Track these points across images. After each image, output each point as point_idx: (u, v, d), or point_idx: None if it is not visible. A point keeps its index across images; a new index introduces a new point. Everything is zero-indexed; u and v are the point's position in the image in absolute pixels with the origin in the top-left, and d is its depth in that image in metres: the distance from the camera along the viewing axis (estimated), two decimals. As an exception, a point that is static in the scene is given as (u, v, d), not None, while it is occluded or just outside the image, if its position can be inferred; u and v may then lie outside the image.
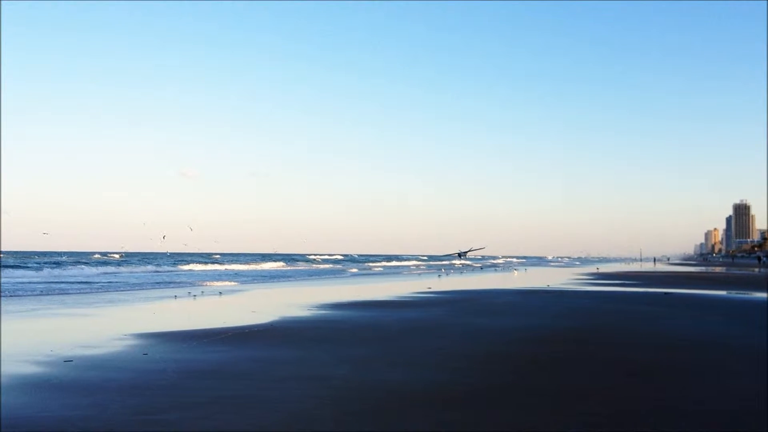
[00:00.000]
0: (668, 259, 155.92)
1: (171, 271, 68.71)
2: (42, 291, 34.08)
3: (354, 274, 68.83)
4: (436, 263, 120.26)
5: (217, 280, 49.02)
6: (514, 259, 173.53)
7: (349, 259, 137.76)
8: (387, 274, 70.49)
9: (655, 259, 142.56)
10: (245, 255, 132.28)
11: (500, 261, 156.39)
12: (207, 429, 7.45)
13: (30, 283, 42.24)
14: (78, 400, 8.83)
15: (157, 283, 45.43)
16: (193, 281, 46.69)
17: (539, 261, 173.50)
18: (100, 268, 68.68)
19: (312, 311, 22.31)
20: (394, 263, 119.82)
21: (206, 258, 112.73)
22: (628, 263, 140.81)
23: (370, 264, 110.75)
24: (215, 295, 32.09)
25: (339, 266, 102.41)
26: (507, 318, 20.01)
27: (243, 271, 72.84)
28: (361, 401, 8.79)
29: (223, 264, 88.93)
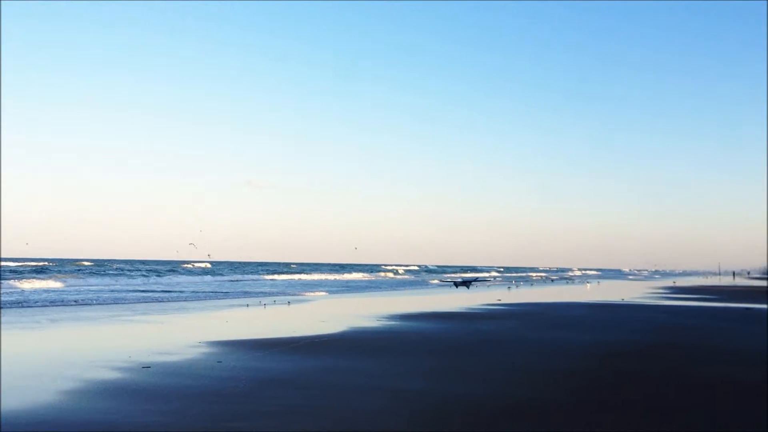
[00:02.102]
0: (748, 273, 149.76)
1: (255, 280, 69.91)
2: (140, 299, 35.19)
3: (434, 285, 68.46)
4: (513, 275, 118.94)
5: (309, 290, 49.35)
6: (589, 272, 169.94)
7: (425, 270, 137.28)
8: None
9: (734, 273, 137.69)
10: (322, 265, 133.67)
11: (574, 273, 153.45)
12: (283, 438, 7.52)
13: (134, 291, 43.68)
14: (158, 407, 9.05)
15: (245, 292, 46.28)
16: (284, 290, 47.34)
17: (615, 274, 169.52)
18: (196, 277, 70.60)
19: (381, 322, 22.34)
20: (470, 274, 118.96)
21: (285, 267, 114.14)
22: (707, 277, 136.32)
23: (447, 275, 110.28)
24: (284, 304, 32.47)
25: (417, 277, 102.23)
26: (581, 332, 19.60)
27: (328, 281, 73.64)
28: (435, 415, 8.72)
29: (309, 274, 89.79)
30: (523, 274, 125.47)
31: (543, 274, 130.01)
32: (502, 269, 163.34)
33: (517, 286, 63.84)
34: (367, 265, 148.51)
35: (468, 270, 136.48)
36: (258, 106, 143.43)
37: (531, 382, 11.20)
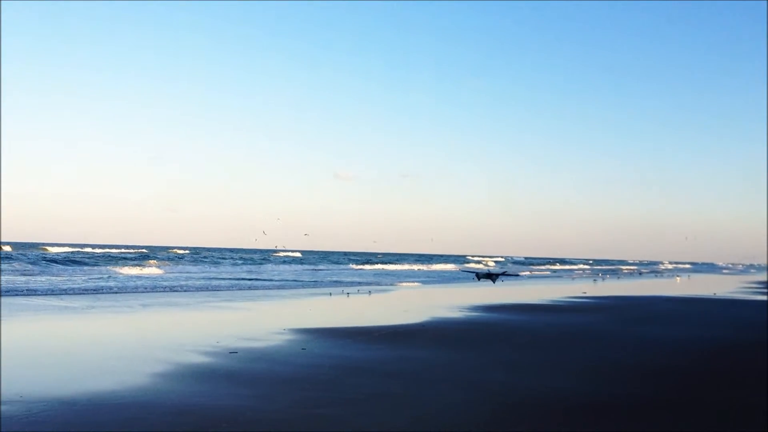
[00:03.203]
0: None
1: (343, 270, 70.67)
2: (229, 286, 36.24)
3: (525, 277, 67.55)
4: (602, 267, 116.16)
5: (394, 280, 49.45)
6: (681, 265, 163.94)
7: (511, 262, 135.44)
8: (547, 277, 69.13)
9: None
10: (408, 255, 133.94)
11: (665, 267, 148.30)
12: (365, 425, 7.56)
13: (225, 279, 45.08)
14: (245, 391, 9.26)
15: (332, 281, 46.98)
16: (370, 280, 47.69)
17: (708, 268, 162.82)
18: (286, 266, 72.15)
19: (464, 313, 22.21)
20: (557, 266, 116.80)
21: (372, 258, 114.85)
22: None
23: (535, 267, 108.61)
24: (367, 294, 32.70)
25: (504, 269, 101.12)
26: (669, 328, 18.96)
27: (414, 271, 73.83)
28: (517, 408, 8.61)
29: (395, 264, 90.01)
30: (612, 267, 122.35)
31: (633, 267, 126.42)
32: (591, 261, 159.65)
33: (603, 279, 62.35)
34: (452, 256, 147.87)
35: (556, 262, 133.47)
36: (347, 98, 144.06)
37: (617, 378, 10.90)
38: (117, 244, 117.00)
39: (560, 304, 27.92)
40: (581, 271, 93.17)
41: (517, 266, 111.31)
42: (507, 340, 15.66)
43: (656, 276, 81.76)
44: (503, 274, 46.21)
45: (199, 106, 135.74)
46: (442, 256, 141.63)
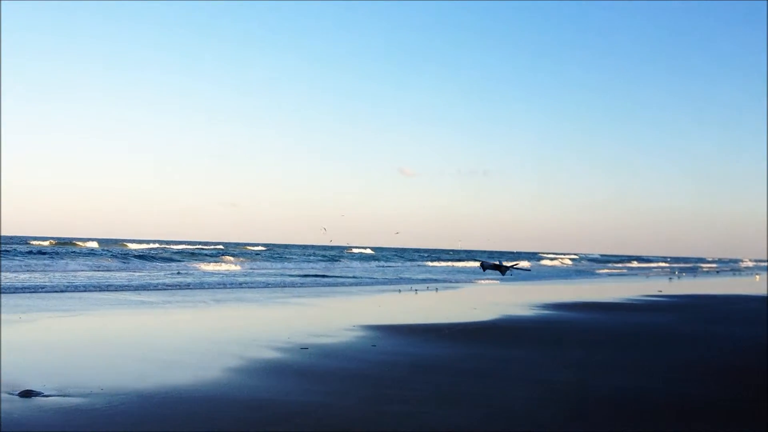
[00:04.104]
0: None
1: (416, 266, 70.79)
2: (300, 283, 36.79)
3: (599, 275, 66.34)
4: (680, 265, 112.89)
5: (466, 277, 48.93)
6: (761, 263, 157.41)
7: (586, 259, 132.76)
8: (622, 275, 67.70)
9: None
10: (479, 252, 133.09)
11: (745, 264, 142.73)
12: (437, 423, 7.53)
13: (296, 275, 45.84)
14: (317, 387, 9.35)
15: (403, 278, 47.18)
16: (442, 276, 47.65)
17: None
18: (358, 262, 72.98)
19: (534, 311, 21.92)
20: (634, 264, 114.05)
21: (445, 254, 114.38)
22: None
23: (613, 264, 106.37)
24: (437, 291, 32.62)
25: (579, 266, 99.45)
26: (750, 327, 18.26)
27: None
28: (590, 408, 8.42)
29: (467, 261, 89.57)
30: (690, 265, 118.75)
31: (712, 266, 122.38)
32: (669, 259, 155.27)
33: (679, 277, 60.57)
34: (525, 253, 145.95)
35: (633, 260, 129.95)
36: (410, 91, 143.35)
37: (696, 379, 10.55)
38: (193, 240, 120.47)
39: (635, 302, 27.25)
40: (659, 269, 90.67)
41: (592, 263, 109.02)
42: (580, 339, 15.37)
43: (735, 274, 78.86)
44: (514, 266, 40.10)
45: (263, 101, 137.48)
46: (513, 253, 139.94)
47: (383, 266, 68.52)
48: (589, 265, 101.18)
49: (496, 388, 9.46)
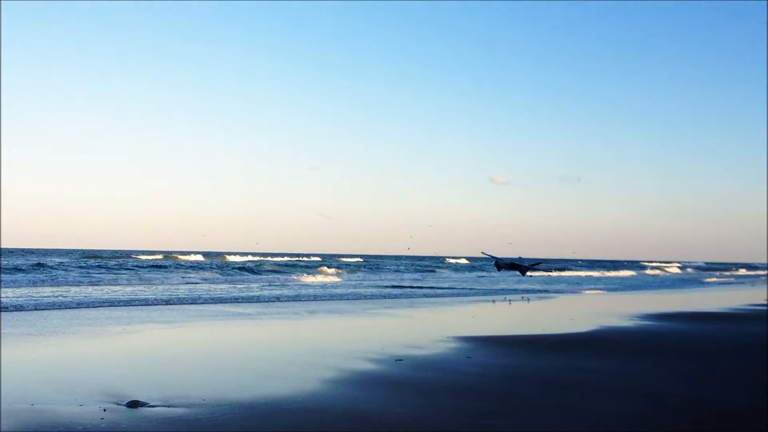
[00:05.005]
0: None
1: (512, 276, 69.53)
2: (393, 294, 37.00)
3: (708, 284, 63.61)
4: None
5: (581, 286, 48.07)
6: None
7: (691, 267, 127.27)
8: (726, 284, 64.78)
9: None
10: (570, 261, 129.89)
11: None
12: (538, 439, 7.35)
13: (391, 287, 46.22)
14: (413, 399, 9.29)
15: (499, 290, 46.77)
16: (537, 286, 46.77)
17: None
18: (460, 274, 72.96)
19: (634, 321, 21.20)
20: (743, 272, 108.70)
21: (538, 264, 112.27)
22: None
23: (720, 273, 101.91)
24: (531, 301, 32.07)
25: (685, 274, 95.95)
26: None
27: (603, 278, 71.91)
28: (700, 423, 8.03)
29: (564, 271, 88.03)
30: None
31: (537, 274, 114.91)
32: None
33: (788, 285, 57.37)
34: (627, 262, 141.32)
35: (740, 267, 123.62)
36: (502, 96, 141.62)
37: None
38: (291, 252, 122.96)
39: (740, 311, 25.97)
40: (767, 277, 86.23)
41: (698, 272, 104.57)
42: (683, 351, 14.74)
43: None
44: (536, 265, 33.02)
45: (354, 112, 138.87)
46: (613, 262, 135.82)
47: (479, 276, 67.90)
48: (695, 274, 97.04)
49: (601, 401, 9.16)
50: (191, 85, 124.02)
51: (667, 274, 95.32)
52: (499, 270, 31.81)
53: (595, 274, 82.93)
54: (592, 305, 30.81)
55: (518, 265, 30.67)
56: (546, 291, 41.80)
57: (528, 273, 31.79)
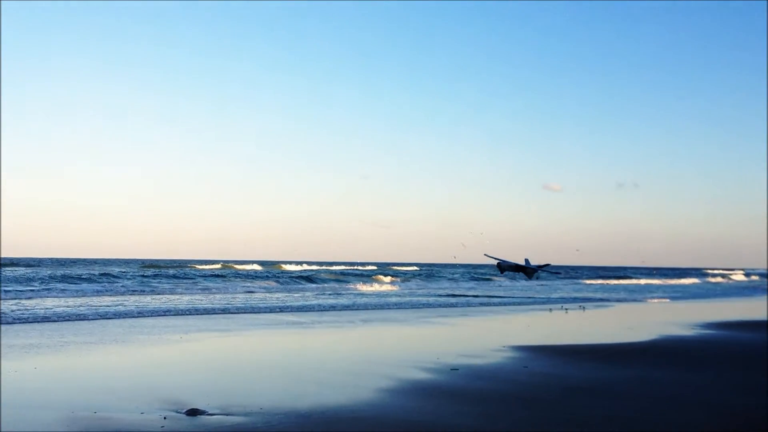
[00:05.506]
0: None
1: (570, 284, 69.00)
2: (450, 303, 36.88)
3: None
4: None
5: (648, 296, 47.25)
6: None
7: (756, 274, 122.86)
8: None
9: None
10: (629, 269, 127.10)
11: None
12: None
13: (448, 295, 46.14)
14: (469, 409, 9.21)
15: (561, 297, 46.18)
16: (606, 296, 46.05)
17: None
18: (522, 281, 72.26)
19: (696, 330, 20.67)
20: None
21: (594, 272, 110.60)
22: None
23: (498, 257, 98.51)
24: (589, 309, 31.53)
25: (751, 282, 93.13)
26: None
27: (664, 285, 70.52)
28: (772, 437, 7.75)
29: (627, 279, 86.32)
30: None
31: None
32: None
33: None
34: (691, 269, 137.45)
35: None
36: (562, 107, 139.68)
37: None
38: (345, 261, 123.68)
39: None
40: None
41: (763, 279, 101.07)
42: (745, 361, 14.30)
43: None
44: (542, 268, 31.17)
45: (404, 119, 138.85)
46: (674, 269, 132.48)
47: (535, 284, 67.02)
48: (760, 282, 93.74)
49: (664, 413, 8.94)
50: (247, 99, 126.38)
51: (731, 281, 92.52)
52: (502, 272, 31.87)
53: (656, 282, 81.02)
54: (652, 314, 30.13)
55: (524, 268, 30.14)
56: (606, 300, 41.01)
57: (535, 275, 30.79)
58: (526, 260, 30.29)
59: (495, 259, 29.31)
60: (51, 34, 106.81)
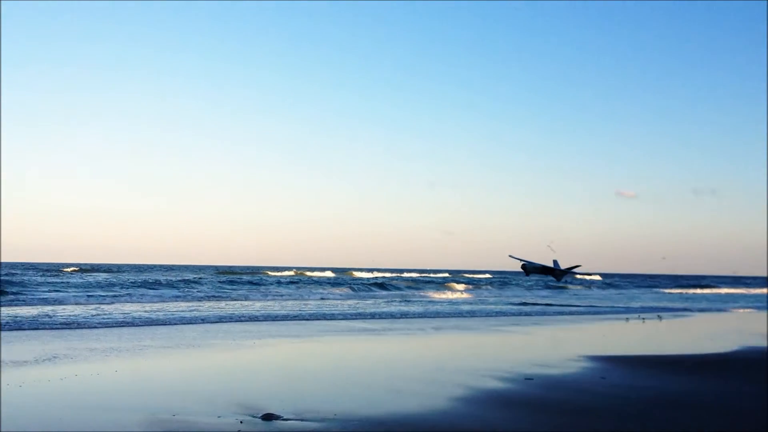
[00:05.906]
0: None
1: (649, 293, 67.21)
2: (521, 311, 36.43)
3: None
4: None
5: (731, 305, 45.64)
6: None
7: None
8: None
9: None
10: (709, 277, 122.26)
11: None
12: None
13: (517, 304, 45.66)
14: (546, 420, 8.99)
15: (641, 307, 45.13)
16: (685, 306, 44.62)
17: None
18: (596, 290, 71.15)
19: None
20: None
21: (671, 281, 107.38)
22: None
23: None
24: (666, 319, 30.56)
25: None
26: None
27: (747, 295, 68.08)
28: None
29: (703, 289, 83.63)
30: None
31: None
32: None
33: None
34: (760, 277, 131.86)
35: None
36: (633, 110, 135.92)
37: None
38: (418, 268, 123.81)
39: None
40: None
41: None
42: None
43: None
44: (571, 270, 29.45)
45: (473, 125, 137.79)
46: (755, 278, 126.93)
47: (611, 293, 65.48)
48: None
49: (740, 425, 8.55)
50: (316, 109, 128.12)
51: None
52: (527, 274, 30.15)
53: (738, 291, 77.98)
54: (731, 324, 29.02)
55: (551, 269, 29.01)
56: (687, 309, 39.66)
57: (563, 277, 30.25)
58: (555, 262, 29.16)
59: (520, 260, 28.23)
60: (53, 39, 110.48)
